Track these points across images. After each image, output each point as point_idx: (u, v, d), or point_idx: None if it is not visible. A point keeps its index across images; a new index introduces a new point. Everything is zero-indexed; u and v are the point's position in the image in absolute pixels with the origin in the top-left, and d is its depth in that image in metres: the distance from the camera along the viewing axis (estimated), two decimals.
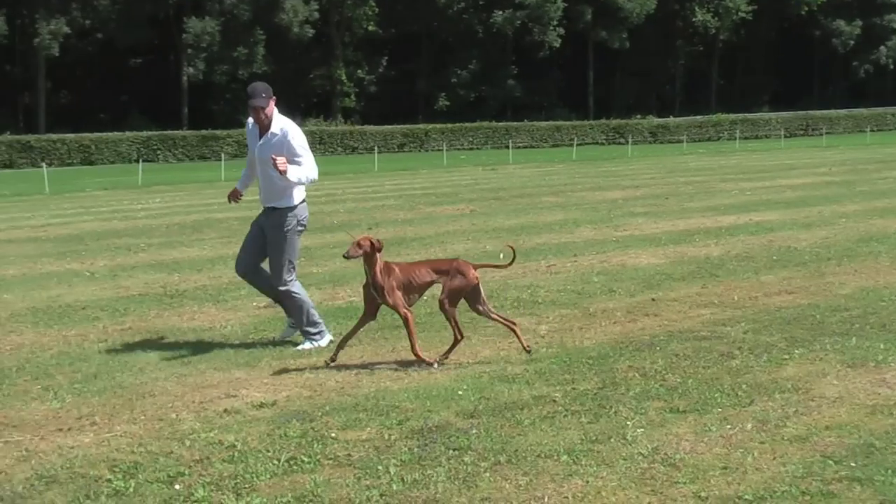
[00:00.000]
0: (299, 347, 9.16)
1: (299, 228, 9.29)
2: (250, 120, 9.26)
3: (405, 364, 8.31)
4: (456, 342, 8.44)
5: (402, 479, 5.62)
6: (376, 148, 63.34)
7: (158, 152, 66.17)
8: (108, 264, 15.54)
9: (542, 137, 76.89)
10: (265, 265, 9.53)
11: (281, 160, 8.70)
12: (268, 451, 6.17)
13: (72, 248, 17.88)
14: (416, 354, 8.30)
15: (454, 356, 8.48)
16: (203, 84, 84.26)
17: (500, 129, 76.35)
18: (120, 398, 7.55)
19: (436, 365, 8.25)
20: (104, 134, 67.18)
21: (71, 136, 65.79)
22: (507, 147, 64.34)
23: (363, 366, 8.34)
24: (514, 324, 8.67)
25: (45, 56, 79.20)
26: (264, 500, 5.42)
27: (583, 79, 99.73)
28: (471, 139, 74.94)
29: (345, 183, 37.93)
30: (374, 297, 8.39)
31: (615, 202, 23.95)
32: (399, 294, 8.33)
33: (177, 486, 5.65)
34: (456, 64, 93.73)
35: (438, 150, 65.79)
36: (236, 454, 6.15)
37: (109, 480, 5.78)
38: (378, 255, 8.31)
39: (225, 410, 7.11)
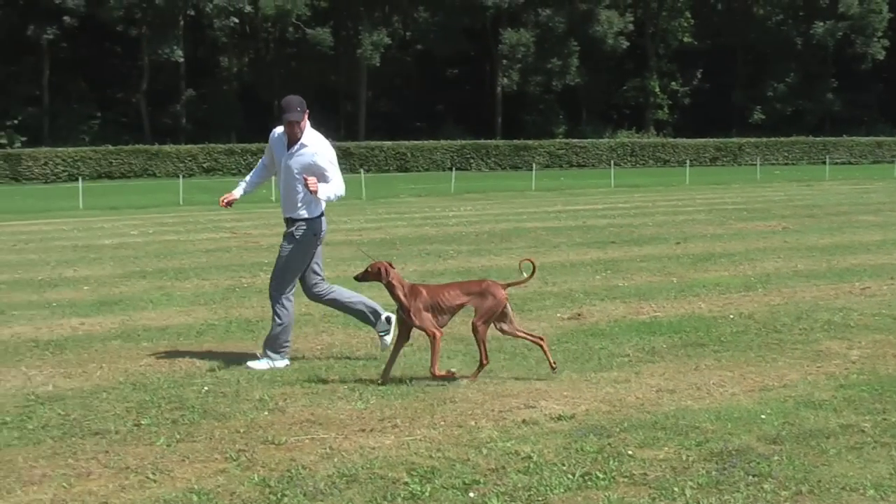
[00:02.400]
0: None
1: (314, 241, 9.39)
2: (276, 130, 9.40)
3: (707, 383, 8.14)
4: (482, 366, 8.42)
5: (698, 503, 5.50)
6: (688, 161, 62.66)
7: (471, 161, 67.77)
8: (419, 269, 15.89)
9: (862, 153, 74.44)
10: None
11: (312, 181, 8.89)
12: (563, 465, 6.15)
13: (384, 252, 18.38)
14: (433, 373, 8.31)
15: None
16: (517, 94, 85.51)
17: (818, 145, 74.43)
18: (421, 402, 7.70)
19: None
20: (419, 142, 69.39)
21: (388, 143, 68.33)
22: (824, 163, 62.53)
23: (664, 383, 8.21)
24: (541, 339, 8.66)
25: (367, 66, 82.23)
26: None
27: None
28: (786, 154, 73.37)
29: (655, 195, 37.79)
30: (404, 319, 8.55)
31: None
32: (427, 315, 8.41)
33: (471, 494, 5.70)
34: (773, 76, 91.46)
35: (752, 164, 64.49)
36: (531, 466, 6.15)
37: (407, 483, 5.89)
38: (395, 278, 8.45)
39: (523, 421, 7.13)
